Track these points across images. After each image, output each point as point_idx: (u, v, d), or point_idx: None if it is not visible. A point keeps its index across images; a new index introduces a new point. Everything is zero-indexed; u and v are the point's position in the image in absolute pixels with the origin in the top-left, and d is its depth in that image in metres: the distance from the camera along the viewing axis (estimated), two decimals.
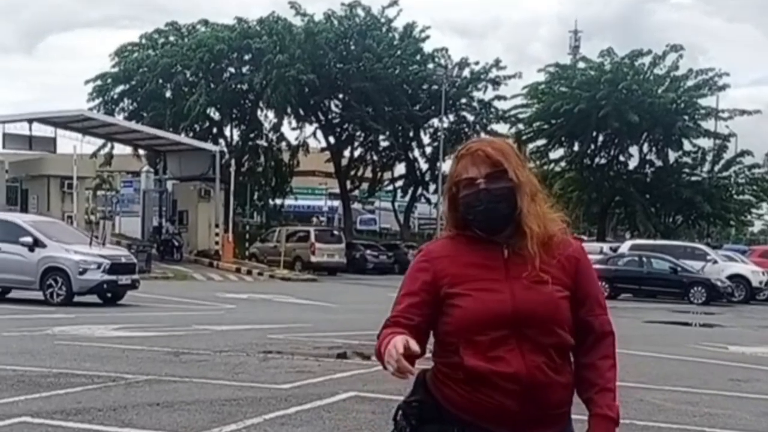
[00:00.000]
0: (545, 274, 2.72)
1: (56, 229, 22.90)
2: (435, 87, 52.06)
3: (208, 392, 9.67)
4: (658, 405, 9.88)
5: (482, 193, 2.73)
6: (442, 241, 2.85)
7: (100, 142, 48.93)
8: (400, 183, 58.37)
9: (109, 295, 21.91)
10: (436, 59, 54.29)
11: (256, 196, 55.59)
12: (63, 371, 10.81)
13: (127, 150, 51.38)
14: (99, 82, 51.34)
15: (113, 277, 21.45)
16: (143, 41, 52.89)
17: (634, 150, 54.94)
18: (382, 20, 52.83)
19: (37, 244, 21.16)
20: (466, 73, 54.58)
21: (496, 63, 54.15)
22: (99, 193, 63.33)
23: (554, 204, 2.88)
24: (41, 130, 40.10)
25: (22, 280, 21.36)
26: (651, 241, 40.29)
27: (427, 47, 53.70)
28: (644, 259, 33.55)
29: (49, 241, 21.31)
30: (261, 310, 21.92)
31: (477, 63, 54.52)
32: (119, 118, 48.57)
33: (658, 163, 54.94)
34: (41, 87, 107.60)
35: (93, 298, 21.65)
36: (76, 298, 21.15)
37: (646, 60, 53.01)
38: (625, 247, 37.23)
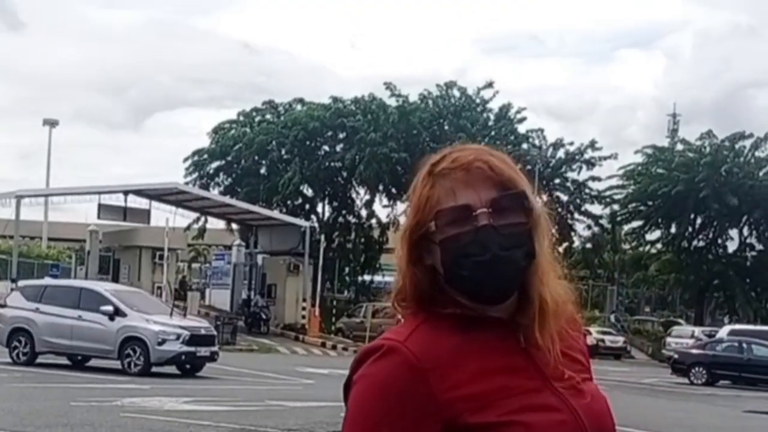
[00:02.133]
0: (577, 363, 1.75)
1: (138, 298, 22.98)
2: (528, 167, 51.53)
3: None
4: None
5: (487, 231, 1.61)
6: (421, 334, 1.63)
7: (194, 215, 49.56)
8: None
9: (187, 366, 21.79)
10: (531, 140, 53.95)
11: (346, 271, 55.49)
12: None
13: (221, 224, 51.98)
14: (196, 158, 52.29)
15: (192, 349, 21.32)
16: (240, 119, 53.83)
17: (733, 233, 53.52)
18: (477, 101, 52.84)
19: (117, 313, 21.21)
20: (560, 153, 54.04)
21: (592, 144, 53.51)
22: (194, 265, 64.22)
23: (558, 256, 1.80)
24: (136, 202, 40.71)
25: (101, 349, 21.40)
26: (751, 327, 38.78)
27: (522, 128, 53.48)
28: (744, 345, 32.20)
29: (130, 311, 21.35)
30: (339, 386, 21.32)
31: (572, 144, 54.01)
32: (214, 193, 49.24)
33: (759, 246, 53.28)
34: (146, 162, 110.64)
35: (171, 369, 21.55)
36: (154, 369, 21.05)
37: (747, 143, 51.88)
38: (723, 332, 35.94)
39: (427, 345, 1.60)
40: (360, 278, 55.92)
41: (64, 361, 22.43)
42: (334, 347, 37.59)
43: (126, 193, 40.14)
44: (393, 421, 1.57)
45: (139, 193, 40.71)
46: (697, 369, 31.52)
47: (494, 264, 1.60)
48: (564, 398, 1.65)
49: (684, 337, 41.69)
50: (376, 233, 54.90)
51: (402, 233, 1.69)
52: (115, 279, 37.83)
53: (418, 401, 1.57)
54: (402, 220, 1.73)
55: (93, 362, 22.23)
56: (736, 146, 51.73)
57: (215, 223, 51.64)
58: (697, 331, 42.82)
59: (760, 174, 50.72)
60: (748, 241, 53.60)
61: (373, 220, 54.27)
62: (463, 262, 1.60)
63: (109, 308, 21.26)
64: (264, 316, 40.63)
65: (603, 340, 42.78)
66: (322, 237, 44.51)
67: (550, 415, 1.63)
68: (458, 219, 1.62)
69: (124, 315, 21.26)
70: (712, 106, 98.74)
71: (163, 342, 20.96)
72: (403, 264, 1.68)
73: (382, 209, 54.13)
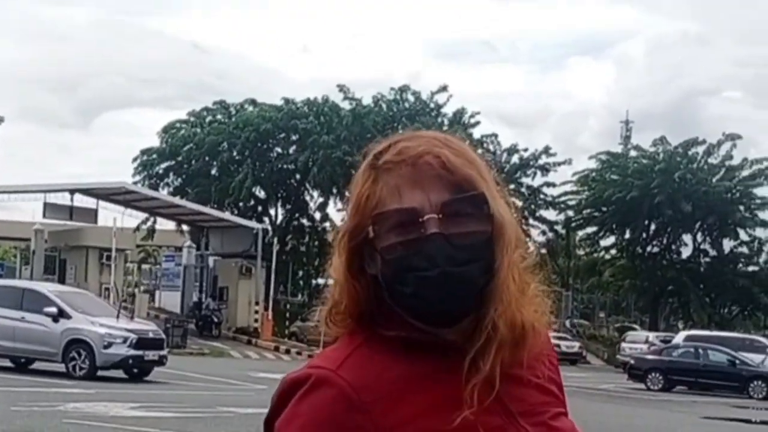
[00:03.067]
0: (550, 396, 1.46)
1: (83, 300, 22.20)
2: None
3: None
4: None
5: (435, 241, 1.31)
6: (358, 360, 1.35)
7: (142, 215, 48.62)
8: None
9: (135, 370, 21.12)
10: (485, 145, 53.63)
11: (300, 275, 54.87)
12: None
13: (171, 225, 51.05)
14: (144, 158, 51.28)
15: (139, 353, 20.64)
16: (191, 119, 52.95)
17: (687, 239, 53.84)
18: (432, 105, 52.57)
19: (61, 314, 20.46)
20: (515, 159, 53.87)
21: (546, 150, 53.36)
22: (144, 266, 63.20)
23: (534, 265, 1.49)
24: (83, 202, 39.77)
25: (44, 352, 20.63)
26: (707, 332, 38.83)
27: (476, 133, 53.24)
28: (700, 350, 32.26)
29: (75, 313, 20.58)
30: None
31: (526, 150, 53.89)
32: (163, 193, 48.33)
33: (713, 252, 53.68)
34: (95, 162, 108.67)
35: (118, 373, 20.85)
36: (101, 373, 20.37)
37: (700, 149, 52.26)
38: (679, 338, 36.08)
39: (366, 373, 1.33)
40: (314, 282, 55.39)
41: (6, 363, 21.55)
42: (287, 351, 36.95)
43: (72, 192, 39.18)
44: None
45: (86, 192, 39.78)
46: (653, 375, 31.47)
47: (443, 281, 1.31)
48: None
49: (638, 342, 41.80)
50: (330, 237, 54.29)
51: (339, 237, 1.39)
52: (62, 279, 36.88)
53: None
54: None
55: (37, 365, 21.38)
56: (689, 153, 52.11)
57: (165, 224, 50.75)
58: (652, 336, 43.00)
59: (713, 180, 51.07)
60: (701, 247, 53.99)
61: (327, 224, 53.71)
62: (406, 277, 1.32)
63: (53, 309, 20.47)
64: (216, 320, 39.93)
65: (559, 346, 42.60)
66: (275, 240, 43.83)
67: None
68: (402, 225, 1.33)
69: (68, 317, 20.49)
70: (664, 114, 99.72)
71: (109, 345, 20.22)
72: (340, 274, 1.39)
73: (336, 213, 53.64)
